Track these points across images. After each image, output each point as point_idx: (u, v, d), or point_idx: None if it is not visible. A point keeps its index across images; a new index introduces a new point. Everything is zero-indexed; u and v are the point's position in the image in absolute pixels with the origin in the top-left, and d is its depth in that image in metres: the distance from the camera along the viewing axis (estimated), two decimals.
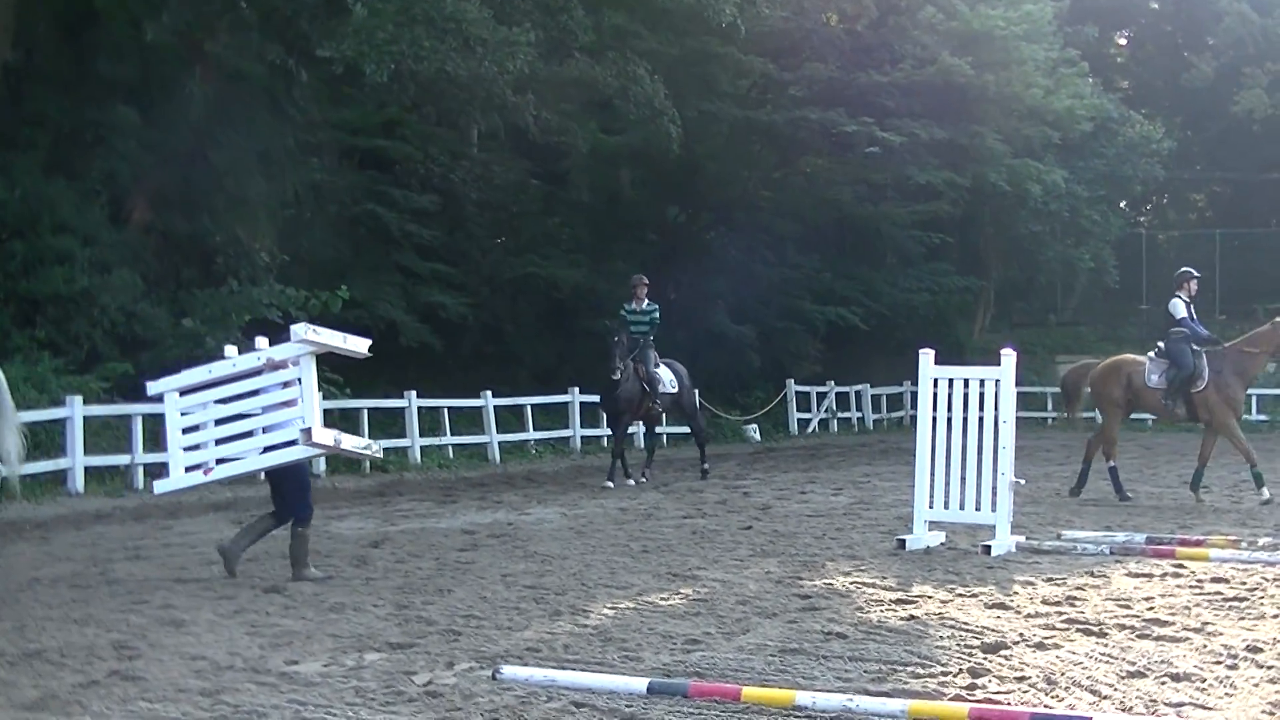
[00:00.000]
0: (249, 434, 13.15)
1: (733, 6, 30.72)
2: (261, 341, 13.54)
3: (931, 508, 14.83)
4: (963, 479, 14.70)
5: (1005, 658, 8.89)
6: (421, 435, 28.44)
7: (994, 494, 14.43)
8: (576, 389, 32.75)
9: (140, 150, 28.69)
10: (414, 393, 28.46)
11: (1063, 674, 8.37)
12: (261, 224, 30.52)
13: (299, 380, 12.73)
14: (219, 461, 13.06)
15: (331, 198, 34.86)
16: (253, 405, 12.96)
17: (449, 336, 34.85)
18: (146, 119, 28.76)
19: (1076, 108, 43.87)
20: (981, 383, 14.72)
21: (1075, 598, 11.17)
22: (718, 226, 44.59)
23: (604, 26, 33.33)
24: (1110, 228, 52.30)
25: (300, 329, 12.61)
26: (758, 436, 38.43)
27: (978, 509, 14.57)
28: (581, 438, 32.81)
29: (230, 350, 13.66)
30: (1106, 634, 9.59)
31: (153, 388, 13.34)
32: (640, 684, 8.05)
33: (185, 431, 13.09)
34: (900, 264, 48.52)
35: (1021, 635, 9.60)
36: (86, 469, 21.83)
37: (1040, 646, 9.22)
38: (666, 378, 25.14)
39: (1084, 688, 8.04)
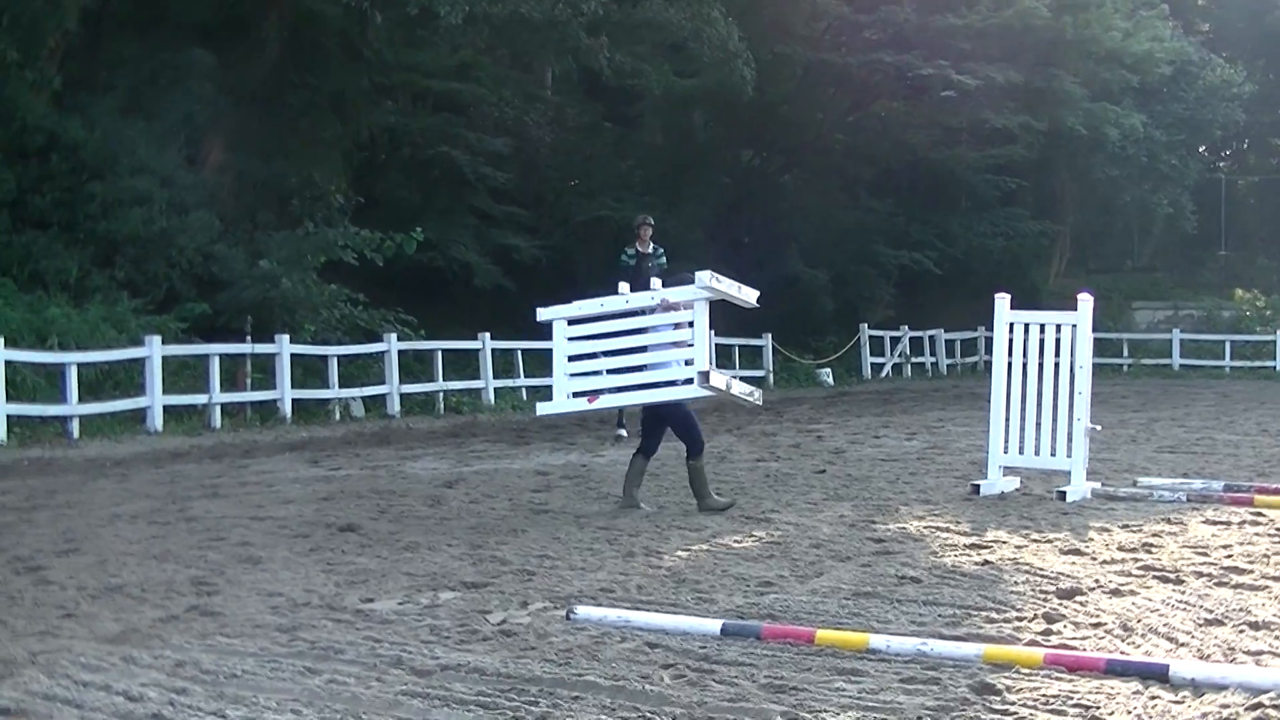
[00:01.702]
0: (636, 369, 13.42)
1: None
2: (656, 283, 13.83)
3: (1006, 453, 14.74)
4: (1038, 424, 14.59)
5: (1081, 604, 8.83)
6: (495, 377, 28.53)
7: (1069, 440, 14.33)
8: None
9: (216, 92, 28.84)
10: (487, 335, 28.54)
11: (1139, 621, 8.31)
12: (336, 166, 30.66)
13: (691, 324, 12.93)
14: (605, 392, 13.45)
15: (405, 140, 34.95)
16: (642, 342, 13.27)
17: (522, 279, 34.88)
18: (222, 61, 28.89)
19: (1156, 50, 43.28)
20: (1058, 328, 14.60)
21: (1151, 545, 11.08)
22: (791, 170, 44.42)
23: None
24: (1188, 173, 51.76)
25: (705, 275, 12.79)
26: (831, 381, 38.34)
27: (1053, 455, 14.46)
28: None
29: (624, 287, 13.94)
30: (1183, 581, 9.51)
31: (542, 314, 13.79)
32: (714, 625, 8.05)
33: (571, 359, 13.44)
34: (975, 208, 48.18)
35: (1097, 581, 9.53)
36: (165, 408, 22.04)
37: (1116, 593, 9.15)
38: None
39: (1161, 635, 7.98)
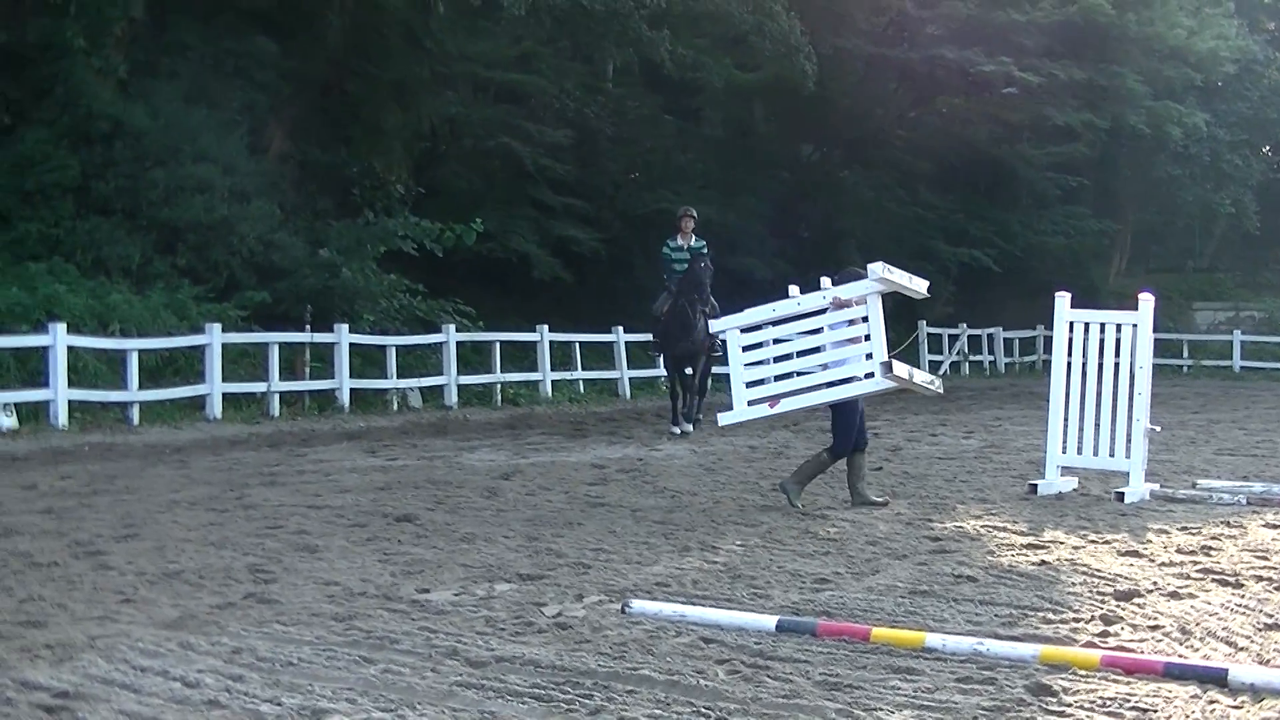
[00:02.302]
0: (813, 370, 13.46)
1: None
2: (825, 281, 13.83)
3: (1064, 453, 14.65)
4: (1096, 424, 14.49)
5: (1139, 606, 8.76)
6: (552, 369, 28.57)
7: (1128, 440, 14.23)
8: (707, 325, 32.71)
9: (279, 80, 28.99)
10: (545, 326, 28.59)
11: (1197, 624, 8.24)
12: (397, 155, 30.77)
13: (864, 318, 13.01)
14: (784, 395, 13.40)
15: (466, 130, 35.04)
16: (818, 342, 13.36)
17: (581, 271, 34.96)
18: (285, 49, 29.03)
19: (1220, 49, 42.95)
20: (1118, 327, 14.49)
21: (1211, 547, 10.99)
22: (850, 164, 44.32)
23: None
24: (1252, 172, 51.37)
25: (877, 268, 12.87)
26: None
27: (1111, 455, 14.36)
28: (712, 374, 32.77)
29: (793, 290, 13.94)
30: (1243, 585, 9.43)
31: (715, 325, 14.01)
32: (769, 621, 8.03)
33: (748, 366, 13.52)
34: (1035, 206, 47.96)
35: (1155, 584, 9.46)
36: (224, 395, 22.17)
37: (1174, 595, 9.07)
38: None
39: (1219, 639, 7.91)
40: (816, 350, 13.37)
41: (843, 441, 13.48)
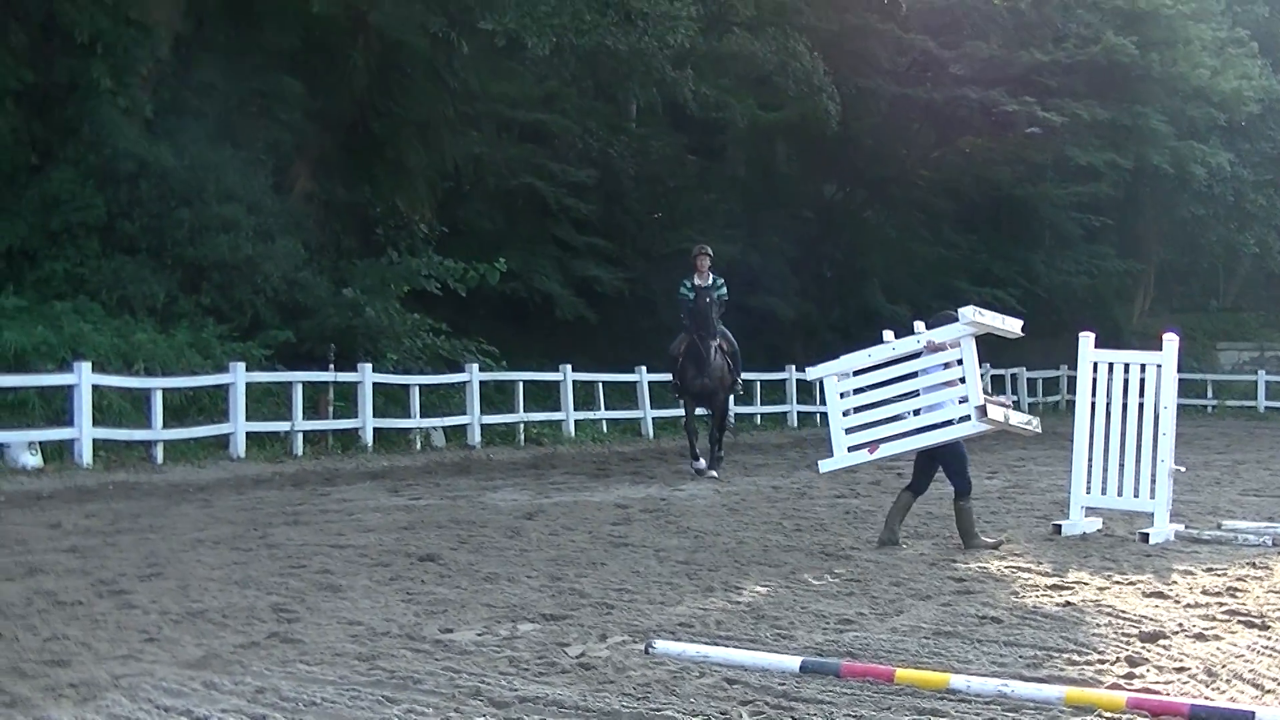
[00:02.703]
0: (910, 414, 13.60)
1: None
2: (919, 325, 14.06)
3: (1089, 493, 14.63)
4: (1121, 465, 14.48)
5: (1164, 647, 8.73)
6: (576, 409, 28.57)
7: (1153, 481, 14.21)
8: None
9: (304, 120, 29.10)
10: (569, 366, 28.60)
11: (1224, 666, 8.21)
12: (421, 194, 30.86)
13: (959, 361, 13.15)
14: (883, 441, 13.56)
15: (490, 170, 35.10)
16: (913, 386, 13.49)
17: (604, 310, 34.97)
18: (310, 89, 29.15)
19: (1244, 89, 42.92)
20: (1142, 368, 14.49)
21: (1236, 589, 10.96)
22: (874, 204, 44.34)
23: (764, 1, 33.27)
24: (1276, 212, 51.22)
25: (968, 312, 13.08)
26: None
27: (1136, 496, 14.34)
28: (735, 414, 32.78)
29: (888, 335, 14.10)
30: (1269, 626, 9.40)
31: (813, 372, 14.11)
32: (793, 662, 8.02)
33: (846, 413, 13.69)
34: (1058, 245, 47.92)
35: (1181, 625, 9.43)
36: (248, 434, 22.20)
37: (1200, 637, 9.05)
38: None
39: (1246, 681, 7.88)
40: (912, 394, 13.48)
41: (963, 481, 13.55)
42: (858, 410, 13.65)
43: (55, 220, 24.04)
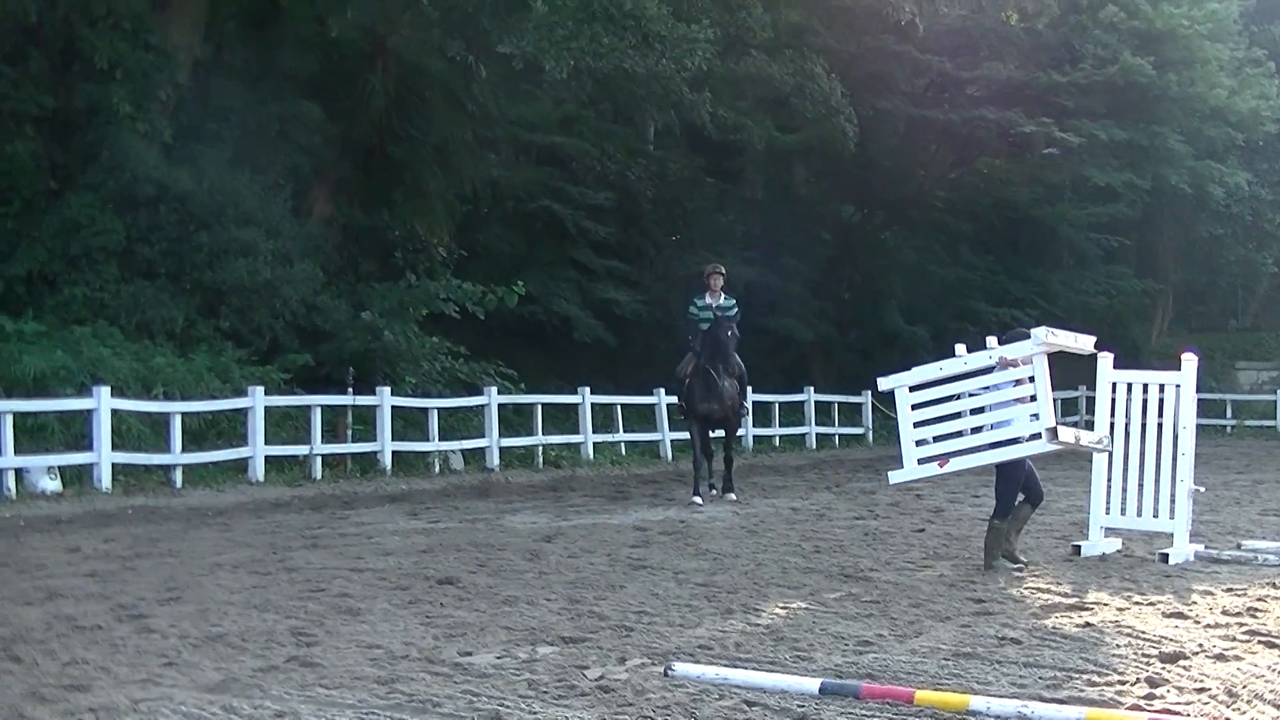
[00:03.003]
0: (980, 429, 13.62)
1: (911, 4, 30.56)
2: (991, 340, 14.16)
3: (1108, 514, 14.58)
4: (1140, 485, 14.43)
5: (1184, 668, 8.69)
6: (594, 431, 28.55)
7: (1172, 501, 14.16)
8: (749, 387, 32.70)
9: (322, 144, 29.20)
10: (587, 389, 28.60)
11: (1244, 686, 8.17)
12: (439, 218, 30.93)
13: (1032, 379, 13.16)
14: (953, 455, 13.59)
15: (508, 193, 35.18)
16: (984, 401, 13.53)
17: (622, 333, 35.00)
18: (328, 113, 29.26)
19: (1262, 108, 42.82)
20: (1161, 388, 14.44)
21: (1257, 609, 10.91)
22: (891, 225, 44.37)
23: (781, 24, 33.30)
24: None
25: (1040, 332, 13.08)
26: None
27: (1155, 516, 14.29)
28: (754, 436, 32.80)
29: (960, 349, 14.15)
30: None
31: (884, 383, 14.03)
32: (812, 684, 7.99)
33: (917, 425, 13.71)
34: (1077, 266, 47.90)
35: (1201, 646, 9.38)
36: (267, 458, 22.23)
37: (1221, 658, 9.00)
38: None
39: (1267, 701, 7.83)
40: (983, 410, 13.53)
41: (1004, 506, 13.53)
42: (929, 423, 13.67)
43: (75, 245, 24.14)
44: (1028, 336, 13.20)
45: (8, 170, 24.36)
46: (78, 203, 24.36)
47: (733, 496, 21.36)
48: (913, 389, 13.71)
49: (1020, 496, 13.71)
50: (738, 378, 21.51)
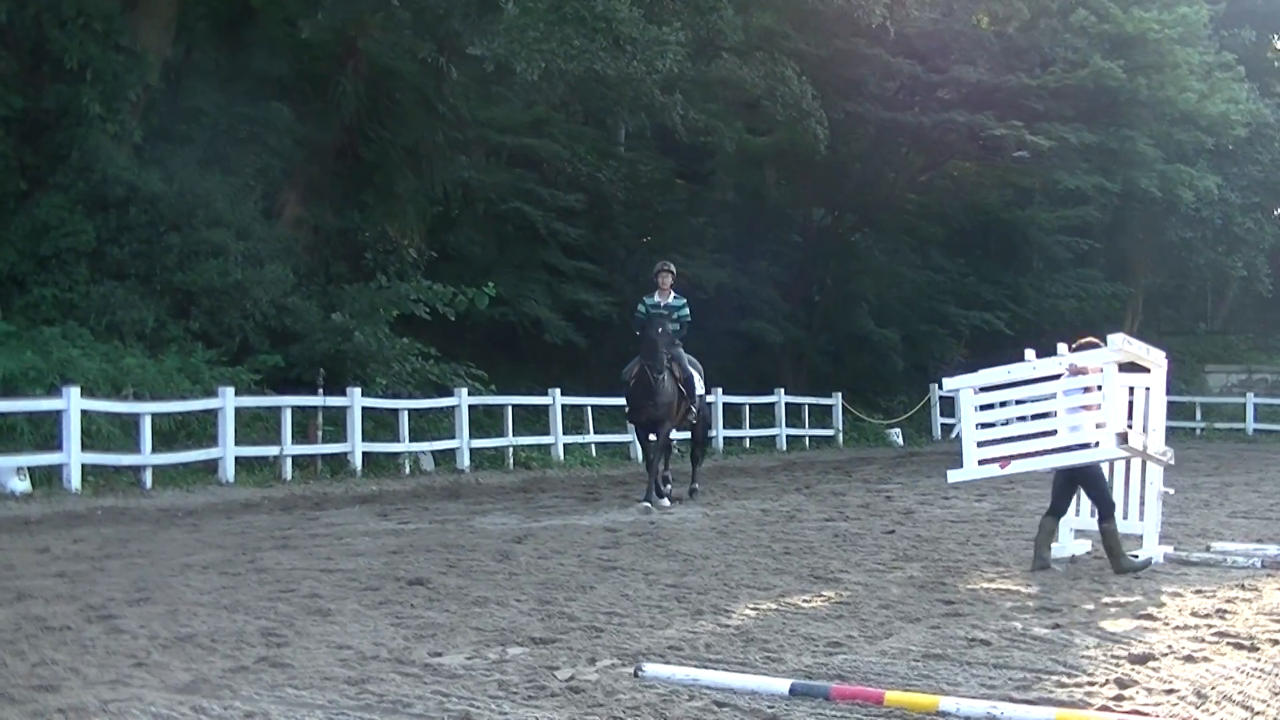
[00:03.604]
0: (1046, 434, 13.65)
1: (882, 7, 30.57)
2: (1061, 347, 14.25)
3: (1078, 515, 14.62)
4: (1110, 487, 14.49)
5: (1153, 669, 8.73)
6: (565, 433, 28.56)
7: (1142, 503, 14.22)
8: (719, 389, 32.81)
9: (293, 145, 29.15)
10: (558, 390, 28.62)
11: (1213, 688, 8.21)
12: (410, 220, 30.90)
13: (1099, 387, 13.27)
14: (1015, 457, 13.65)
15: (479, 195, 35.17)
16: (1051, 407, 13.61)
17: (593, 335, 35.00)
18: (299, 115, 29.21)
19: (1231, 112, 42.95)
20: (1130, 390, 14.49)
21: (1225, 610, 10.97)
22: (862, 228, 44.44)
23: (753, 27, 33.31)
24: (1264, 235, 51.44)
25: (1117, 339, 13.23)
26: (900, 441, 38.24)
27: (1124, 518, 14.33)
28: (724, 438, 32.84)
29: (1029, 354, 14.27)
30: (1259, 648, 9.40)
31: (949, 384, 14.21)
32: (782, 685, 8.00)
33: (980, 427, 13.82)
34: (1047, 269, 48.09)
35: (1170, 647, 9.43)
36: (237, 459, 22.20)
37: (1189, 659, 9.05)
38: (696, 380, 21.63)
39: (1235, 703, 7.87)
40: (1048, 415, 13.61)
41: (1107, 505, 13.61)
42: (992, 425, 13.81)
43: (44, 246, 24.08)
44: (1100, 345, 13.29)
45: None
46: (47, 203, 24.30)
47: (666, 504, 20.24)
48: (978, 391, 13.86)
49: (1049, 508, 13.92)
50: (684, 379, 20.98)
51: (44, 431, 20.60)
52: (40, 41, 24.85)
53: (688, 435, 23.71)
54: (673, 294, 21.21)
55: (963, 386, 13.90)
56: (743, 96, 35.83)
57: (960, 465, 13.90)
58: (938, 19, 37.84)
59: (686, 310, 21.19)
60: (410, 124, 30.95)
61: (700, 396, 21.62)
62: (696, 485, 22.03)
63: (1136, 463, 14.25)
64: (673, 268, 21.79)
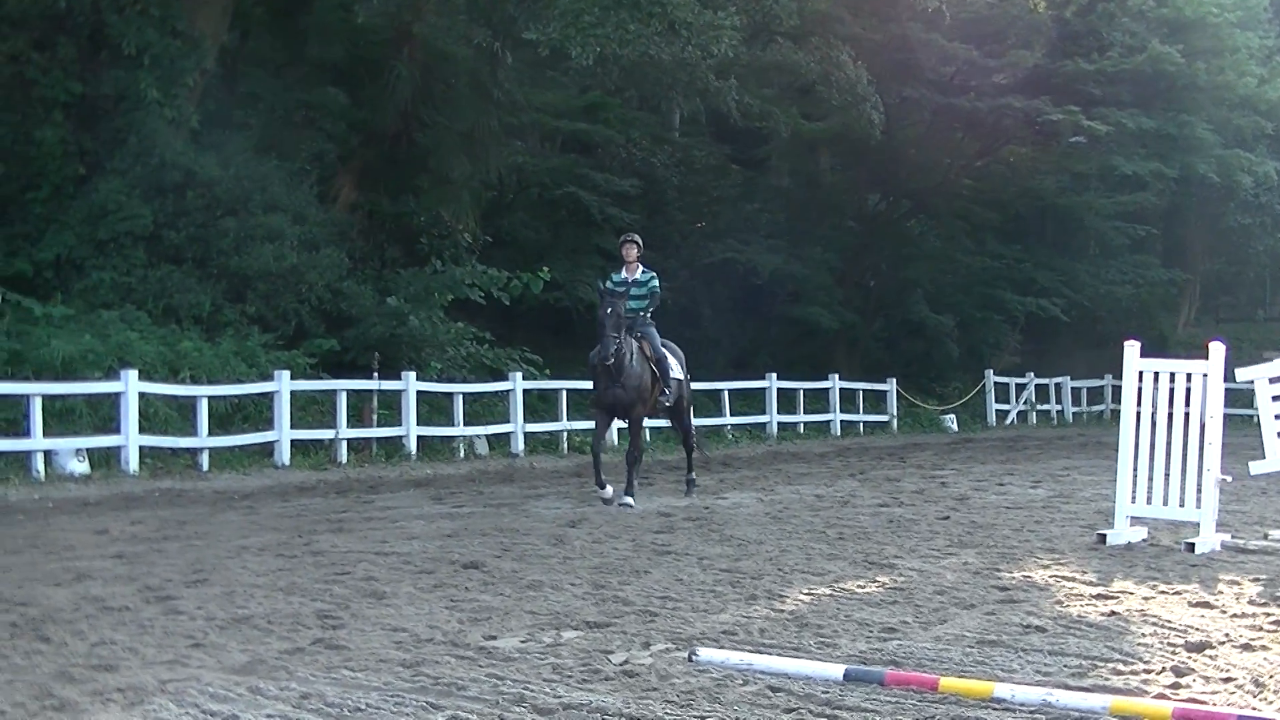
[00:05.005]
0: None
1: None
2: None
3: (1134, 503, 14.51)
4: (1166, 474, 14.35)
5: (1210, 657, 8.66)
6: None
7: (1199, 491, 14.11)
8: (774, 375, 32.78)
9: (348, 130, 29.27)
10: None
11: (1271, 676, 8.12)
12: (464, 204, 30.95)
13: None
14: None
15: (533, 180, 35.22)
16: None
17: None
18: (354, 100, 29.32)
19: None
20: (1188, 376, 14.37)
21: None
22: (917, 214, 44.30)
23: (807, 11, 33.22)
24: None
25: None
26: (955, 427, 38.09)
27: (1181, 505, 14.22)
28: (778, 423, 32.81)
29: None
30: None
31: (1242, 374, 14.13)
32: (836, 670, 7.97)
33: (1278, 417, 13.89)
34: (1103, 255, 47.80)
35: (1227, 635, 9.35)
36: (292, 442, 22.31)
37: (1247, 647, 8.97)
38: (673, 363, 19.54)
39: None
40: None
41: None
42: None
43: (102, 230, 24.25)
44: None
45: (37, 156, 24.48)
46: (105, 188, 24.45)
47: (629, 501, 18.34)
48: (1273, 380, 13.82)
49: None
50: (655, 360, 19.08)
51: (102, 414, 20.76)
52: (99, 27, 25.00)
53: (668, 424, 22.05)
54: (640, 268, 19.35)
55: (1257, 376, 13.80)
56: (797, 81, 35.76)
57: (1262, 456, 13.91)
58: (994, 3, 37.65)
59: (656, 283, 19.35)
60: (465, 109, 31.00)
61: (678, 380, 19.53)
62: (692, 476, 20.21)
63: (1193, 449, 14.14)
64: (638, 239, 19.73)
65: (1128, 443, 14.46)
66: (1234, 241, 51.05)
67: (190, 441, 21.03)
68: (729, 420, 31.85)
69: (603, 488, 18.40)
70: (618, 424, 21.58)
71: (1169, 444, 14.30)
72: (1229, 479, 14.76)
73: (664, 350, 19.27)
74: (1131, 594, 11.06)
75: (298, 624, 9.50)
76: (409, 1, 28.75)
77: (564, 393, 27.34)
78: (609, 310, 18.21)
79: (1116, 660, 8.56)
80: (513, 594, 10.82)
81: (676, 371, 19.42)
